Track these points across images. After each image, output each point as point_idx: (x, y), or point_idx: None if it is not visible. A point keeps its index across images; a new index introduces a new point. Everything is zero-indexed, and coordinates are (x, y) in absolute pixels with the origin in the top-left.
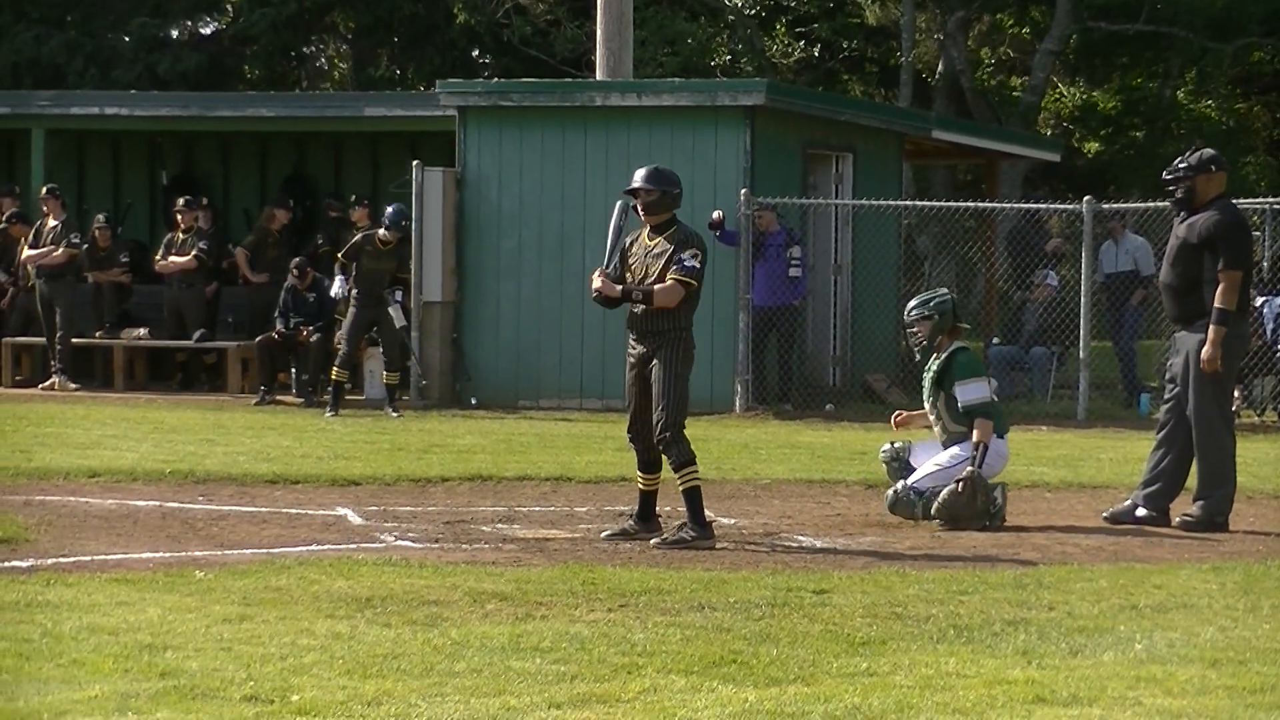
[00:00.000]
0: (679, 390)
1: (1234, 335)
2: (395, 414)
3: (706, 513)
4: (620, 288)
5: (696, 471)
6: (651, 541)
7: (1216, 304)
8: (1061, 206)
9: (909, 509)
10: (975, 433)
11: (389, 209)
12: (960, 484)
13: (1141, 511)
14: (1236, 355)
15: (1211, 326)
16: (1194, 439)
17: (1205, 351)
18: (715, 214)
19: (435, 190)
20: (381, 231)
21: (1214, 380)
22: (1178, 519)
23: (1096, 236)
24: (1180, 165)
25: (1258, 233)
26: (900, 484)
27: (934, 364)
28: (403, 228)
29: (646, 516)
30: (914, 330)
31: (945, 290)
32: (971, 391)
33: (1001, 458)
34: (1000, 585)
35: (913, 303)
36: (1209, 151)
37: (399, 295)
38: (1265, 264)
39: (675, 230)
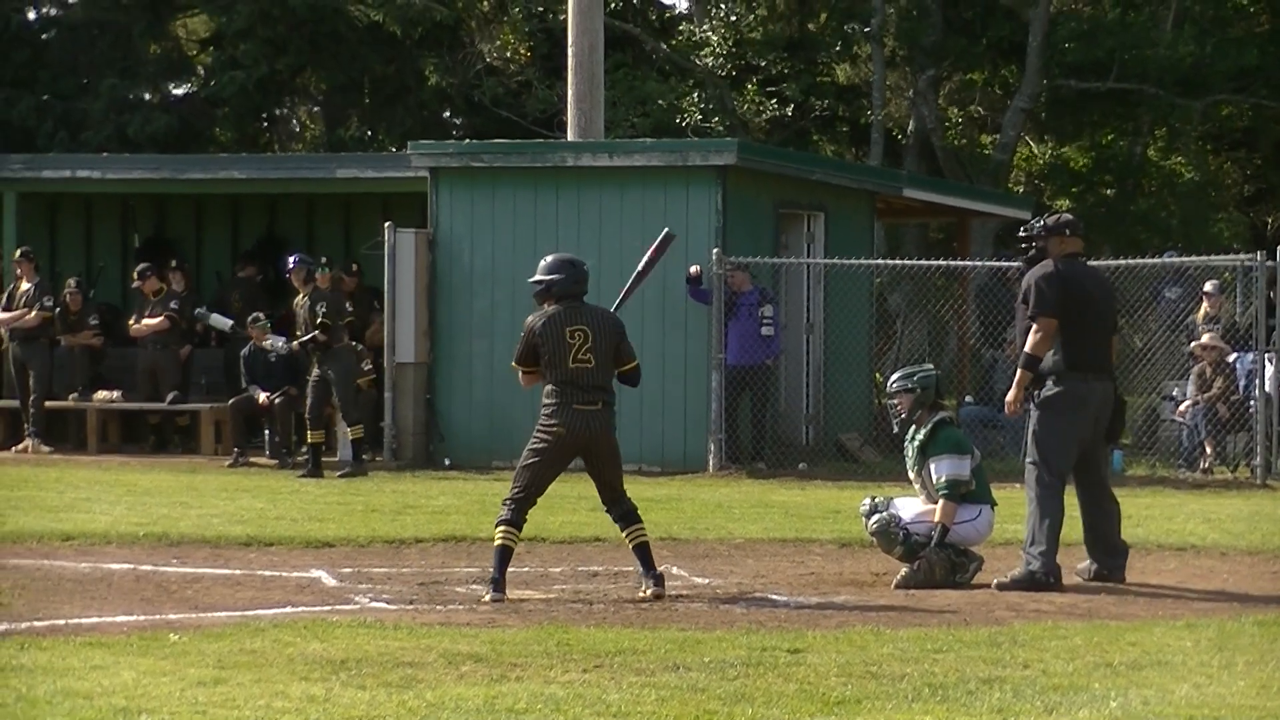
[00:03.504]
0: (522, 460)
1: (1072, 394)
2: (340, 474)
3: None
4: None
5: (509, 534)
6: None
7: (1025, 349)
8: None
9: (889, 543)
10: (938, 512)
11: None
12: (918, 564)
13: (1093, 570)
14: (1075, 413)
15: (1018, 370)
16: (1026, 493)
17: (1009, 394)
18: (692, 269)
19: (408, 251)
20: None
21: (1047, 441)
22: (994, 582)
23: None
24: (1036, 224)
25: (1229, 289)
26: (892, 514)
27: (918, 435)
28: (303, 267)
29: (648, 568)
30: (895, 402)
31: (930, 366)
32: (945, 468)
33: (980, 530)
34: (975, 643)
35: (896, 375)
36: (1068, 216)
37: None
38: (1237, 319)
39: None
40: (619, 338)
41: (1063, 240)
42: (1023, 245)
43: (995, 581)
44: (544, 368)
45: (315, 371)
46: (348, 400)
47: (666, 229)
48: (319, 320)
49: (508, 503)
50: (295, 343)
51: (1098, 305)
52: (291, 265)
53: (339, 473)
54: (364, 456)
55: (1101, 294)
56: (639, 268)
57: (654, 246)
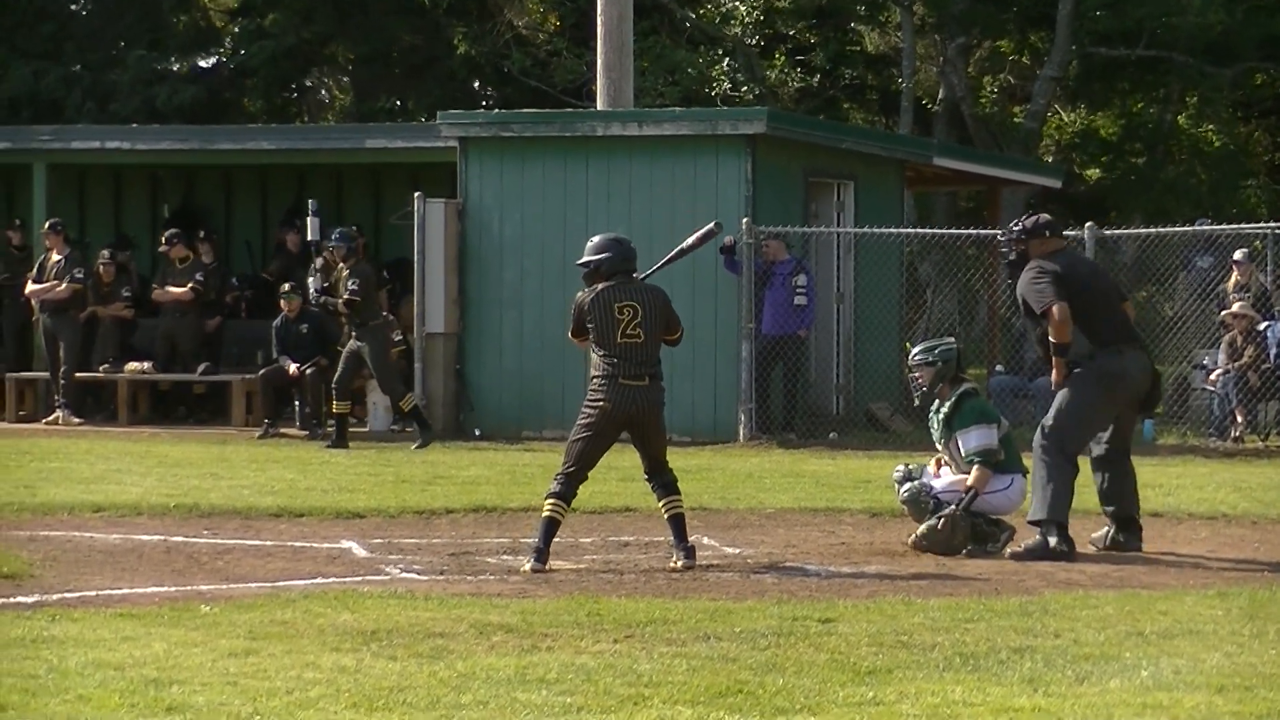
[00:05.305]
0: (572, 435)
1: (1101, 370)
2: (415, 446)
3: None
4: None
5: (557, 506)
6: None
7: (1051, 339)
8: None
9: (919, 511)
10: (970, 477)
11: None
12: (941, 520)
13: (1109, 538)
14: (1114, 388)
15: (1054, 358)
16: (1034, 458)
17: (1053, 375)
18: (728, 239)
19: (437, 221)
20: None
21: (1071, 413)
22: (1008, 551)
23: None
24: (1015, 228)
25: (1259, 257)
26: (923, 483)
27: (943, 408)
28: (343, 244)
29: (681, 540)
30: (916, 376)
31: (951, 339)
32: (972, 440)
33: (1012, 499)
34: (1006, 613)
35: (917, 348)
36: (1045, 217)
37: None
38: (1269, 287)
39: None
40: (667, 310)
41: (1043, 241)
42: (1003, 249)
43: (1009, 551)
44: (593, 343)
45: (351, 344)
46: (387, 376)
47: (716, 220)
48: (345, 297)
49: (559, 477)
50: (336, 302)
51: (1093, 283)
52: (333, 244)
53: (414, 444)
54: (429, 424)
55: (1089, 272)
56: (680, 247)
57: (699, 234)
